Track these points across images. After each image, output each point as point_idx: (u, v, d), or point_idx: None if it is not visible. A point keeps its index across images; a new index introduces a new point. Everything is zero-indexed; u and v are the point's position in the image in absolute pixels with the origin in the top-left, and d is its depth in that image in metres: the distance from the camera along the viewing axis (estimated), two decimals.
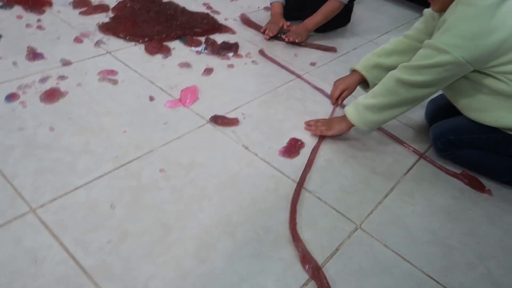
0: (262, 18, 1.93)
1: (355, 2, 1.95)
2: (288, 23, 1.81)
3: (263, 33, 1.78)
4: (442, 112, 1.30)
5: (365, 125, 1.17)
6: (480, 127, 1.13)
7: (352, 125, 1.19)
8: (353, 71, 1.33)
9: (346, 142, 1.26)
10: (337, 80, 1.37)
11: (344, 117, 1.21)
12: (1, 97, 1.19)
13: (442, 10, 1.06)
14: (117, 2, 1.81)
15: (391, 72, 1.12)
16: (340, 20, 1.93)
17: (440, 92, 1.22)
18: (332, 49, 1.71)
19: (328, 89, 1.48)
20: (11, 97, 1.20)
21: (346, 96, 1.36)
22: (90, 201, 0.94)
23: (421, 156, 1.26)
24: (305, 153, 1.19)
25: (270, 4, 1.89)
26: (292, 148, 1.19)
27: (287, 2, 1.89)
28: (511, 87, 1.02)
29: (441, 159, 1.26)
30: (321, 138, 1.25)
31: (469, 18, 0.96)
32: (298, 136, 1.24)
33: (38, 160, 1.02)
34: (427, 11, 1.21)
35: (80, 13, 1.70)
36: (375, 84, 1.20)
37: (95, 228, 0.88)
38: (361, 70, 1.29)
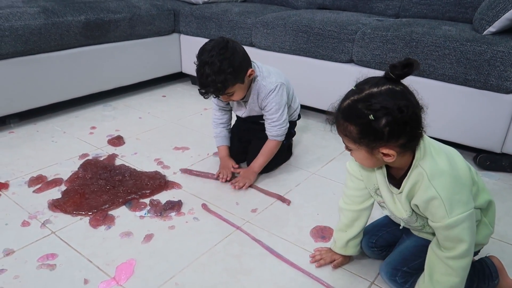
0: (211, 164, 2.05)
1: (303, 131, 2.01)
2: (236, 165, 1.95)
3: (217, 178, 1.91)
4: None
5: None
6: (423, 249, 1.16)
7: None
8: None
9: None
10: (323, 251, 1.40)
11: None
12: None
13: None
14: (71, 173, 1.93)
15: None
16: (282, 156, 2.04)
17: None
18: (286, 201, 1.76)
19: (267, 238, 1.51)
20: None
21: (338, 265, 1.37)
22: None
23: None
24: None
25: (217, 148, 2.03)
26: None
27: (231, 146, 2.02)
28: None
29: None
30: None
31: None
32: None
33: None
34: (349, 169, 1.26)
35: (34, 191, 1.81)
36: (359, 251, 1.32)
37: None
38: (342, 252, 1.35)
